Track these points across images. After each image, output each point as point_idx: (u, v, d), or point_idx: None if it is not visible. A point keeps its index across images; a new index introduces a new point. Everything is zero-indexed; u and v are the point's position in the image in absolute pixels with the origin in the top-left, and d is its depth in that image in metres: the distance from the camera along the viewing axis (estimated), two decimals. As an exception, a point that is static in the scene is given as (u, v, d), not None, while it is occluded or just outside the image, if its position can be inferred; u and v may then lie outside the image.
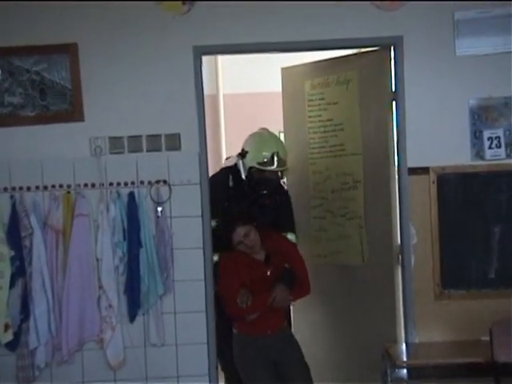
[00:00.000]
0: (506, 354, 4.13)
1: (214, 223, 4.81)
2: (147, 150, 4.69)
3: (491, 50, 4.66)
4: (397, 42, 4.67)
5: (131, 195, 4.65)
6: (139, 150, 4.69)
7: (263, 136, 5.15)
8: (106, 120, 4.68)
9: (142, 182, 4.68)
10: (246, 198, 5.01)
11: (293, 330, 5.58)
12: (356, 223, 5.09)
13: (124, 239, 4.62)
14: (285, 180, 5.30)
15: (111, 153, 4.68)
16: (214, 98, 6.89)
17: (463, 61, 4.67)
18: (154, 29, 4.66)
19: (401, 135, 4.71)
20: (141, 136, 4.68)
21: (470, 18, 4.65)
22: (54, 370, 4.66)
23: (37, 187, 4.64)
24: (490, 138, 4.67)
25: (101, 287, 4.61)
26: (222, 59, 6.88)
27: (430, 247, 4.70)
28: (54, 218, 4.60)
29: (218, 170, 5.19)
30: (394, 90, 4.77)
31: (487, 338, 4.25)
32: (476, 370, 4.32)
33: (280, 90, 5.59)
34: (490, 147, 4.67)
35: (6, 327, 4.54)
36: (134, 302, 4.62)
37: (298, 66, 5.45)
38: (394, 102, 4.79)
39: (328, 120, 5.24)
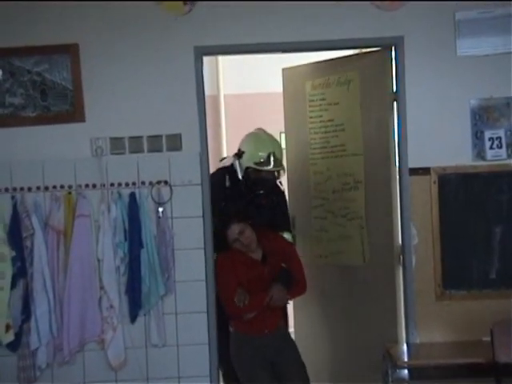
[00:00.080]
0: (507, 355, 4.12)
1: None
2: (148, 151, 4.69)
3: (492, 50, 4.66)
4: (398, 43, 4.67)
5: (132, 196, 4.65)
6: (140, 150, 4.69)
7: (259, 136, 5.15)
8: (107, 120, 4.68)
9: (143, 183, 4.68)
10: (242, 198, 5.03)
11: (293, 330, 5.61)
12: (357, 223, 5.09)
13: (125, 240, 4.62)
14: (281, 180, 5.29)
15: (112, 153, 4.69)
16: (215, 99, 6.89)
17: (464, 61, 4.67)
18: (155, 29, 4.66)
19: (402, 135, 4.71)
20: (142, 136, 4.69)
21: (470, 19, 4.65)
22: (55, 371, 4.66)
23: (38, 188, 4.64)
24: (491, 139, 4.67)
25: (102, 288, 4.61)
26: (223, 60, 6.88)
27: (431, 247, 4.70)
28: (55, 218, 4.60)
29: (215, 170, 5.19)
30: (394, 90, 4.77)
31: (488, 339, 4.25)
32: (477, 370, 4.32)
33: (281, 90, 5.60)
34: (491, 147, 4.67)
35: (8, 328, 4.54)
36: (135, 303, 4.62)
37: (298, 66, 5.45)
38: (394, 103, 4.79)
39: (329, 120, 5.25)
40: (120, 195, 4.64)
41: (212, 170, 5.01)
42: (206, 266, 4.70)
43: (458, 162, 4.69)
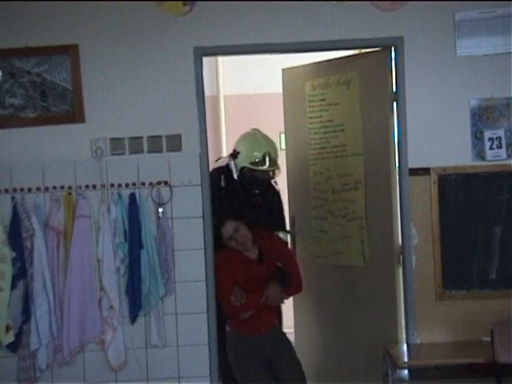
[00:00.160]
0: (507, 355, 4.13)
1: None
2: (148, 151, 4.69)
3: (492, 50, 4.66)
4: (397, 43, 4.67)
5: (132, 196, 4.65)
6: (140, 151, 4.69)
7: (255, 136, 5.19)
8: (107, 121, 4.69)
9: (142, 184, 4.68)
10: (238, 197, 5.06)
11: (293, 330, 5.61)
12: (357, 224, 5.08)
13: (125, 240, 4.62)
14: (276, 180, 5.33)
15: (112, 154, 4.69)
16: (215, 99, 6.89)
17: (464, 61, 4.67)
18: (155, 30, 4.66)
19: (401, 136, 4.71)
20: (142, 137, 4.69)
21: (470, 19, 4.66)
22: (55, 372, 4.66)
23: (38, 188, 4.65)
24: (490, 139, 4.67)
25: (102, 288, 4.61)
26: (223, 60, 6.88)
27: (430, 248, 4.70)
28: (55, 219, 4.60)
29: (210, 170, 5.20)
30: (394, 90, 4.77)
31: (488, 339, 4.26)
32: (477, 370, 4.33)
33: (281, 90, 5.60)
34: (490, 148, 4.67)
35: (8, 328, 4.55)
36: (135, 303, 4.63)
37: (298, 66, 5.45)
38: (394, 103, 4.79)
39: (329, 121, 5.24)
40: (120, 196, 4.64)
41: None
42: (205, 267, 4.70)
43: (458, 162, 4.69)
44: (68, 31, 4.65)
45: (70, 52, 4.64)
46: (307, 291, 5.45)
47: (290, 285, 4.86)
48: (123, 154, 4.69)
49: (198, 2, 4.64)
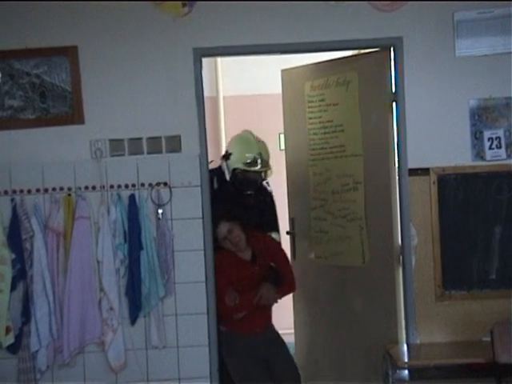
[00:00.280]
0: (507, 355, 4.13)
1: None
2: (148, 153, 4.69)
3: (491, 50, 4.66)
4: (397, 43, 4.67)
5: (132, 197, 4.65)
6: (140, 152, 4.69)
7: (246, 138, 5.28)
8: (107, 122, 4.69)
9: (142, 185, 4.68)
10: (230, 199, 5.09)
11: (293, 330, 5.61)
12: (357, 224, 5.08)
13: (125, 241, 4.62)
14: (268, 181, 5.42)
15: (112, 155, 4.69)
16: (214, 100, 6.89)
17: (463, 61, 4.67)
18: (154, 31, 4.66)
19: (401, 136, 4.71)
20: (141, 138, 4.69)
21: (469, 19, 4.66)
22: (56, 373, 4.66)
23: (37, 190, 4.65)
24: (490, 139, 4.67)
25: (102, 289, 4.61)
26: (222, 61, 6.88)
27: (430, 248, 4.70)
28: (54, 220, 4.60)
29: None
30: (394, 90, 4.78)
31: (488, 339, 4.26)
32: (477, 370, 4.33)
33: (280, 91, 5.60)
34: (490, 148, 4.67)
35: (8, 330, 4.54)
36: (135, 305, 4.63)
37: (297, 67, 5.45)
38: (394, 103, 4.79)
39: (328, 121, 5.24)
40: (120, 197, 4.64)
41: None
42: (205, 268, 4.70)
43: (458, 162, 4.69)
44: (67, 33, 4.65)
45: (69, 53, 4.64)
46: (307, 291, 5.47)
47: (283, 285, 4.95)
48: (123, 155, 4.69)
49: (197, 3, 4.64)
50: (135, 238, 4.61)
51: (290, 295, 5.55)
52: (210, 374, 4.70)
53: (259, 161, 5.17)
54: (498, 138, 4.67)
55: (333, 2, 4.65)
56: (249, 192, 5.22)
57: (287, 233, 5.56)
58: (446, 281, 4.70)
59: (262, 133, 6.35)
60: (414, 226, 4.70)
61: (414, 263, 4.71)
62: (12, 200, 4.62)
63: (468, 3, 4.65)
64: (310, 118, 5.35)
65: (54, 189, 4.65)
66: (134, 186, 4.67)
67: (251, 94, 6.90)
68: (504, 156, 4.68)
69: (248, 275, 4.85)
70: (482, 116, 4.68)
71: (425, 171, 4.69)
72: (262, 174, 5.26)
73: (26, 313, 4.57)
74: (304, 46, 4.73)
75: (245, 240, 4.89)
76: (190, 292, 4.68)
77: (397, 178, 4.81)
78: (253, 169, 5.17)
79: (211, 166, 5.24)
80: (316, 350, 5.46)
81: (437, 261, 4.69)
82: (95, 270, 4.62)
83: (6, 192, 4.63)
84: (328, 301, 5.34)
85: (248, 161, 5.16)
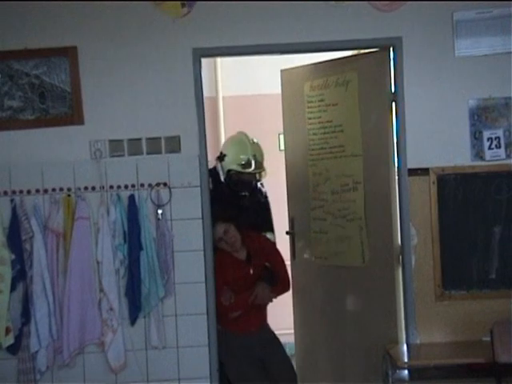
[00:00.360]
0: (507, 355, 4.13)
1: None
2: (147, 153, 4.69)
3: (490, 50, 4.66)
4: (396, 43, 4.67)
5: (131, 198, 4.65)
6: (139, 152, 4.69)
7: (241, 140, 5.35)
8: (106, 123, 4.69)
9: (142, 185, 4.68)
10: (225, 199, 5.13)
11: (293, 330, 5.61)
12: (356, 224, 5.08)
13: (124, 242, 4.62)
14: (262, 182, 5.50)
15: (111, 156, 4.69)
16: (214, 100, 6.89)
17: (462, 61, 4.67)
18: (154, 31, 4.66)
19: (400, 136, 4.71)
20: (141, 139, 4.69)
21: (469, 19, 4.66)
22: (55, 374, 4.66)
23: (37, 190, 4.64)
24: (489, 139, 4.67)
25: (101, 290, 4.61)
26: (222, 61, 6.88)
27: (430, 248, 4.70)
28: (54, 221, 4.60)
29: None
30: (393, 90, 4.78)
31: (488, 339, 4.26)
32: (477, 370, 4.33)
33: (279, 91, 5.60)
34: (489, 148, 4.67)
35: (7, 331, 4.54)
36: (135, 305, 4.62)
37: (297, 67, 5.45)
38: (393, 103, 4.79)
39: (328, 121, 5.24)
40: (119, 197, 4.64)
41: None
42: (205, 268, 4.70)
43: (457, 162, 4.69)
44: (67, 33, 4.65)
45: (68, 54, 4.64)
46: (307, 291, 5.47)
47: (278, 284, 5.05)
48: (122, 155, 4.69)
49: (197, 3, 4.64)
50: (135, 239, 4.61)
51: (290, 295, 5.57)
52: (210, 374, 4.70)
53: (253, 162, 5.26)
54: (498, 137, 4.67)
55: (333, 2, 4.65)
56: (243, 193, 5.30)
57: (287, 233, 5.56)
58: (445, 281, 4.70)
59: (262, 133, 6.36)
60: (414, 225, 4.70)
61: (413, 263, 4.71)
62: (12, 201, 4.62)
63: (467, 3, 4.65)
64: (310, 118, 5.35)
65: (53, 189, 4.65)
66: (133, 186, 4.67)
67: (251, 95, 6.90)
68: (503, 156, 4.68)
69: (243, 275, 4.95)
70: (481, 116, 4.68)
71: (424, 171, 4.69)
72: (257, 176, 5.34)
73: (26, 313, 4.57)
74: (303, 46, 4.73)
75: (240, 240, 4.99)
76: (189, 292, 4.68)
77: (396, 178, 4.81)
78: (247, 170, 5.25)
79: None
80: (316, 350, 5.46)
81: (436, 261, 4.70)
82: (95, 270, 4.62)
83: (5, 193, 4.63)
84: (328, 301, 5.34)
85: (242, 162, 5.25)
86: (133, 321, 4.66)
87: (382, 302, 4.94)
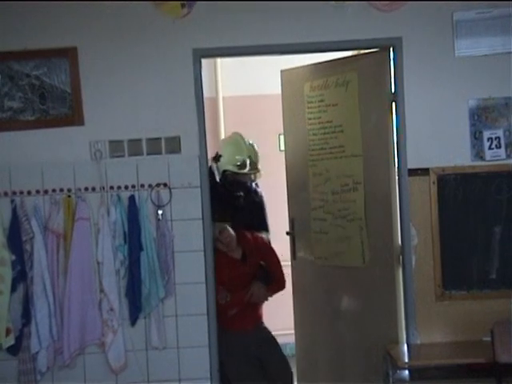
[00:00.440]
0: (507, 355, 4.13)
1: None
2: (147, 154, 4.70)
3: (490, 50, 4.66)
4: (396, 43, 4.68)
5: (132, 199, 4.65)
6: (139, 153, 4.69)
7: (236, 141, 5.45)
8: (106, 124, 4.69)
9: (142, 186, 4.68)
10: (221, 200, 5.15)
11: (294, 330, 5.62)
12: (357, 224, 5.08)
13: (125, 243, 4.62)
14: (257, 182, 5.57)
15: (111, 156, 4.69)
16: (214, 101, 6.88)
17: (462, 61, 4.67)
18: (154, 32, 4.66)
19: (400, 136, 4.71)
20: (141, 139, 4.69)
21: (469, 19, 4.66)
22: (56, 374, 4.66)
23: (37, 191, 4.64)
24: (489, 139, 4.67)
25: (102, 291, 4.61)
26: (222, 62, 6.88)
27: (430, 248, 4.70)
28: (54, 221, 4.60)
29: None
30: (393, 91, 4.78)
31: (489, 339, 4.26)
32: (478, 370, 4.33)
33: (279, 92, 5.60)
34: (489, 148, 4.67)
35: (8, 331, 4.54)
36: (136, 306, 4.63)
37: (297, 68, 5.45)
38: (393, 103, 4.79)
39: (328, 122, 5.24)
40: (119, 198, 4.65)
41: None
42: (205, 268, 4.70)
43: (457, 162, 4.69)
44: (67, 34, 4.65)
45: (68, 55, 4.64)
46: (307, 292, 5.47)
47: (273, 283, 5.14)
48: (122, 156, 4.70)
49: (197, 4, 4.64)
50: (135, 239, 4.61)
51: (290, 296, 5.57)
52: (211, 374, 4.70)
53: (248, 163, 5.34)
54: (498, 137, 4.67)
55: (333, 2, 4.65)
56: (239, 193, 5.36)
57: (287, 233, 5.56)
58: (446, 281, 4.70)
59: (262, 133, 6.37)
60: (414, 226, 4.70)
61: (413, 263, 4.71)
62: (12, 201, 4.62)
63: (467, 3, 4.64)
64: (310, 119, 5.35)
65: (53, 190, 4.65)
66: (133, 187, 4.67)
67: (251, 95, 6.90)
68: (503, 156, 4.68)
69: (239, 274, 5.03)
70: (481, 116, 4.68)
71: (424, 171, 4.69)
72: (252, 176, 5.43)
73: (27, 314, 4.57)
74: (303, 46, 4.73)
75: (235, 240, 5.08)
76: (190, 293, 4.68)
77: (396, 178, 4.81)
78: (242, 171, 5.34)
79: None
80: (316, 350, 5.46)
81: (437, 261, 4.70)
82: (95, 271, 4.62)
83: (5, 193, 4.64)
84: (328, 301, 5.34)
85: (238, 163, 5.34)
86: (133, 321, 4.66)
87: (382, 302, 4.94)
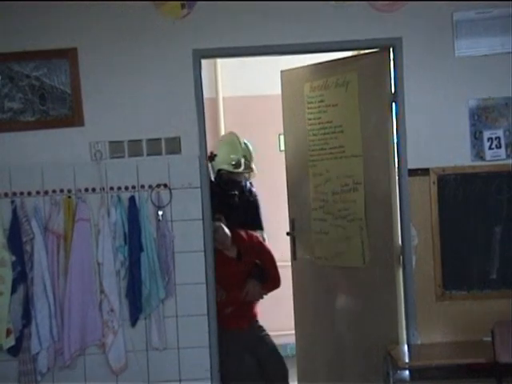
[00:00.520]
0: (508, 355, 4.13)
1: None
2: (147, 154, 4.70)
3: (490, 50, 4.66)
4: (396, 44, 4.68)
5: (132, 199, 4.65)
6: (139, 154, 4.69)
7: (231, 140, 5.53)
8: (106, 124, 4.69)
9: (142, 186, 4.68)
10: (215, 198, 5.13)
11: (294, 330, 5.62)
12: (357, 225, 5.08)
13: (125, 243, 4.62)
14: (252, 181, 5.64)
15: (111, 157, 4.69)
16: (214, 101, 6.89)
17: (462, 61, 4.67)
18: (153, 33, 4.66)
19: (401, 136, 4.71)
20: (141, 140, 4.69)
21: (469, 19, 4.66)
22: (56, 375, 4.66)
23: (37, 192, 4.64)
24: (489, 139, 4.67)
25: (102, 291, 4.61)
26: (222, 62, 6.88)
27: (430, 248, 4.70)
28: (54, 222, 4.60)
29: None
30: (393, 91, 4.78)
31: (489, 339, 4.26)
32: (478, 370, 4.33)
33: (279, 92, 5.60)
34: (490, 148, 4.68)
35: (8, 332, 4.54)
36: (136, 306, 4.63)
37: (297, 68, 5.45)
38: (393, 104, 4.79)
39: (328, 122, 5.24)
40: (120, 199, 4.65)
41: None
42: (206, 269, 4.70)
43: (457, 162, 4.69)
44: (66, 35, 4.65)
45: (68, 55, 4.64)
46: (307, 292, 5.47)
47: (268, 281, 5.21)
48: (122, 157, 4.70)
49: (197, 4, 4.64)
50: (135, 240, 4.61)
51: (291, 296, 5.57)
52: (211, 375, 4.70)
53: (243, 162, 5.42)
54: (498, 137, 4.67)
55: (333, 2, 4.65)
56: (233, 192, 5.43)
57: (287, 234, 5.56)
58: (446, 281, 4.70)
59: (262, 134, 6.38)
60: (414, 226, 4.70)
61: (414, 263, 4.71)
62: (12, 202, 4.62)
63: (467, 3, 4.64)
64: (310, 119, 5.35)
65: (54, 191, 4.65)
66: (133, 187, 4.67)
67: (251, 95, 6.90)
68: (504, 156, 4.68)
69: (234, 272, 5.09)
70: (481, 116, 4.68)
71: (425, 171, 4.69)
72: (246, 175, 5.51)
73: (27, 315, 4.57)
74: (303, 46, 4.73)
75: (230, 239, 5.14)
76: (190, 293, 4.68)
77: (397, 178, 4.81)
78: (237, 170, 5.41)
79: None
80: (316, 350, 5.46)
81: (437, 261, 4.69)
82: (95, 272, 4.62)
83: (6, 194, 4.64)
84: (328, 301, 5.34)
85: (233, 162, 5.41)
86: (133, 322, 4.66)
87: (382, 302, 4.94)
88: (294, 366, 5.59)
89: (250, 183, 5.63)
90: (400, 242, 4.81)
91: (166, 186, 4.68)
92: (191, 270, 4.68)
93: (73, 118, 4.68)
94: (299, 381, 5.56)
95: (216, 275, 4.85)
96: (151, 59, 4.68)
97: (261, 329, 5.26)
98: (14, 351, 4.59)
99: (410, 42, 4.66)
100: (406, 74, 4.68)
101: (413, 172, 4.69)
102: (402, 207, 4.73)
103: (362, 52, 5.08)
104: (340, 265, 5.24)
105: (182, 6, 4.66)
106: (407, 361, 4.54)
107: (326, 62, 5.23)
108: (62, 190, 4.65)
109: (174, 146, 4.69)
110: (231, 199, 5.43)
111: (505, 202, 4.68)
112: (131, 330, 4.67)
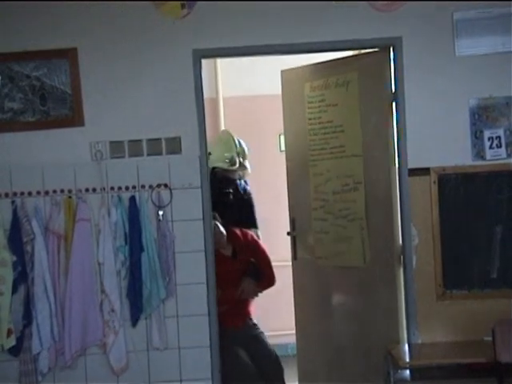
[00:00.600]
0: (508, 354, 4.13)
1: None
2: (148, 154, 4.70)
3: (491, 49, 4.66)
4: (396, 43, 4.68)
5: (132, 199, 4.65)
6: (140, 154, 4.69)
7: (226, 138, 5.61)
8: (107, 124, 4.69)
9: (142, 186, 4.68)
10: (210, 196, 5.14)
11: (295, 330, 5.62)
12: (357, 224, 5.08)
13: (126, 243, 4.62)
14: (246, 180, 5.72)
15: (112, 157, 4.69)
16: (214, 101, 6.89)
17: (463, 61, 4.67)
18: (154, 33, 4.66)
19: (401, 136, 4.71)
20: (141, 140, 4.69)
21: (469, 18, 4.66)
22: (57, 375, 4.66)
23: (38, 192, 4.64)
24: (490, 138, 4.67)
25: (103, 291, 4.61)
26: (222, 62, 6.88)
27: (431, 248, 4.70)
28: (55, 222, 4.60)
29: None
30: (393, 90, 4.78)
31: (490, 338, 4.25)
32: (479, 370, 4.33)
33: (280, 92, 5.60)
34: (490, 147, 4.67)
35: (9, 332, 4.54)
36: (137, 306, 4.63)
37: (297, 68, 5.45)
38: (393, 103, 4.79)
39: (328, 122, 5.24)
40: (120, 199, 4.65)
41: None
42: (206, 269, 4.70)
43: (458, 161, 4.69)
44: (66, 35, 4.65)
45: (68, 55, 4.64)
46: (308, 292, 5.47)
47: (263, 279, 5.26)
48: (123, 157, 4.70)
49: (197, 4, 4.64)
50: (136, 240, 4.61)
51: (291, 296, 5.58)
52: (212, 375, 4.70)
53: (237, 161, 5.49)
54: (498, 137, 4.67)
55: (333, 2, 4.65)
56: (228, 190, 5.50)
57: (288, 234, 5.56)
58: (447, 280, 4.70)
59: (262, 134, 6.38)
60: (415, 225, 4.70)
61: (414, 263, 4.71)
62: (12, 202, 4.62)
63: (467, 3, 4.64)
64: (310, 119, 5.35)
65: (54, 191, 4.65)
66: (134, 187, 4.67)
67: (251, 95, 6.90)
68: (504, 155, 4.68)
69: (229, 270, 5.11)
70: (482, 115, 4.68)
71: (425, 171, 4.69)
72: (240, 173, 5.58)
73: (28, 315, 4.57)
74: (304, 46, 4.73)
75: (225, 237, 5.18)
76: (191, 293, 4.68)
77: (397, 177, 4.81)
78: (232, 168, 5.49)
79: None
80: (317, 350, 5.45)
81: (438, 260, 4.69)
82: (96, 272, 4.62)
83: (6, 194, 4.64)
84: (329, 301, 5.34)
85: (227, 160, 5.49)
86: (134, 322, 4.66)
87: (383, 301, 4.94)
88: (294, 365, 5.60)
89: (245, 181, 5.68)
90: (400, 241, 4.81)
91: (166, 186, 4.68)
92: (192, 269, 4.68)
93: (73, 118, 4.68)
94: (299, 381, 5.56)
95: None
96: (151, 59, 4.67)
97: (255, 327, 5.30)
98: (15, 351, 4.59)
99: (409, 41, 4.66)
100: (406, 73, 4.68)
101: (413, 172, 4.69)
102: (403, 207, 4.73)
103: (363, 52, 5.08)
104: (340, 264, 5.24)
105: (182, 6, 4.65)
106: (408, 360, 4.54)
107: (327, 61, 5.23)
108: (62, 190, 4.65)
109: (174, 145, 4.69)
110: (226, 197, 5.48)
111: (505, 202, 4.68)
112: (132, 330, 4.67)
